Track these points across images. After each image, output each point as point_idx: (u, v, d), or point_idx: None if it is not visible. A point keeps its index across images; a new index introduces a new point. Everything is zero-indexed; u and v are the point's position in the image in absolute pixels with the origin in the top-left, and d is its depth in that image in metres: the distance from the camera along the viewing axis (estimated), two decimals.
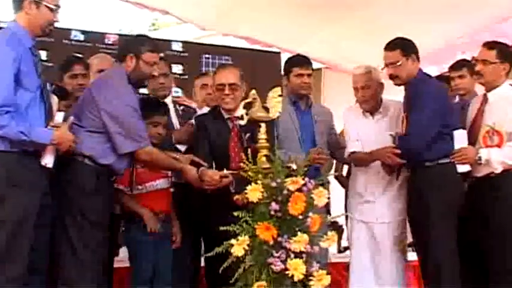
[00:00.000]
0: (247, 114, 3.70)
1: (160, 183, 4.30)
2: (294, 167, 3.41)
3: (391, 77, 4.41)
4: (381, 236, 4.55)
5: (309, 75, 4.78)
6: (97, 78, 4.21)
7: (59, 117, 3.68)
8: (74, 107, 4.10)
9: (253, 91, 3.67)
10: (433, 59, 6.70)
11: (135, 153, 3.89)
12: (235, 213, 3.30)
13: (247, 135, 4.11)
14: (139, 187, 4.26)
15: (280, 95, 3.66)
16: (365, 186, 4.65)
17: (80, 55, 5.48)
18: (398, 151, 4.27)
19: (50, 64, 6.28)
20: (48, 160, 3.59)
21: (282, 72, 5.01)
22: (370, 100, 4.61)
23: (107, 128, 3.81)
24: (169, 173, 4.32)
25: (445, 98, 4.43)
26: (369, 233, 4.60)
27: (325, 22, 6.76)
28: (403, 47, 4.38)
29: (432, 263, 4.18)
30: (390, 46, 4.41)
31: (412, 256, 4.75)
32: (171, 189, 4.41)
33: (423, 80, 4.39)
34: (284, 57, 7.76)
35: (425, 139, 4.23)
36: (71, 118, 3.74)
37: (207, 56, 7.47)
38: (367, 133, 4.61)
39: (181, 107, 4.93)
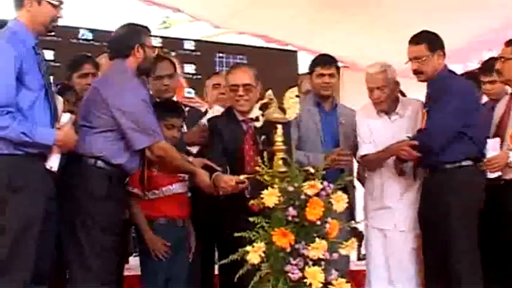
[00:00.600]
0: (263, 115, 3.69)
1: (177, 187, 4.31)
2: (312, 170, 3.40)
3: (415, 72, 4.38)
4: (398, 245, 4.49)
5: (330, 75, 4.78)
6: (101, 76, 4.22)
7: (65, 118, 3.68)
8: (79, 108, 4.12)
9: (269, 91, 3.66)
10: (457, 57, 6.68)
11: (149, 148, 3.91)
12: (251, 219, 3.29)
13: (263, 137, 4.10)
14: (156, 191, 4.27)
15: (297, 96, 3.65)
16: (381, 190, 4.59)
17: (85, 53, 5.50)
18: (416, 143, 4.23)
19: (57, 64, 6.33)
20: (53, 163, 3.59)
21: (306, 72, 5.01)
22: (386, 100, 4.55)
23: (119, 125, 3.83)
24: (186, 176, 4.31)
25: (470, 96, 4.39)
26: (385, 241, 4.54)
27: (342, 19, 6.78)
28: (429, 41, 4.34)
29: (452, 271, 4.14)
30: (415, 40, 4.38)
31: None
32: (188, 194, 4.41)
33: (449, 77, 4.37)
34: (301, 56, 7.80)
35: (446, 136, 4.21)
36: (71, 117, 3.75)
37: (220, 55, 7.49)
38: (383, 134, 4.54)
39: (187, 108, 4.92)
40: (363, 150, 4.63)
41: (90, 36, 6.94)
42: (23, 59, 3.51)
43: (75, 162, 3.80)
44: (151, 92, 4.74)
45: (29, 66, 3.54)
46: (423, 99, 4.49)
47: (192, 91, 7.00)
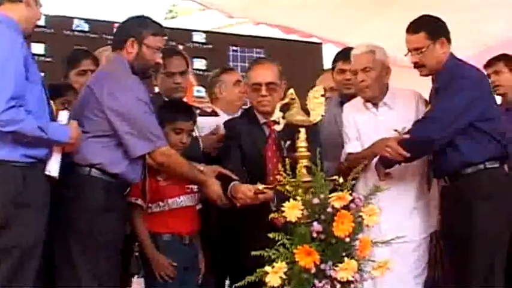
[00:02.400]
0: (283, 117, 3.71)
1: (185, 199, 4.34)
2: (340, 180, 3.41)
3: (416, 65, 4.30)
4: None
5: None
6: (96, 72, 4.23)
7: (63, 116, 3.72)
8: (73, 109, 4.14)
9: (291, 90, 3.68)
10: (508, 47, 6.66)
11: (150, 155, 3.94)
12: (270, 235, 3.29)
13: (288, 142, 4.11)
14: (161, 204, 4.30)
15: (322, 95, 3.66)
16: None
17: (84, 48, 5.53)
18: (406, 137, 4.08)
19: (49, 59, 6.38)
20: (53, 167, 3.62)
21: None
22: (371, 85, 4.39)
23: (114, 129, 3.85)
24: (195, 188, 4.34)
25: (485, 85, 4.32)
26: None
27: (377, 5, 6.76)
28: (428, 28, 4.25)
29: None
30: (412, 28, 4.29)
31: None
32: (198, 207, 4.43)
33: (458, 65, 4.27)
34: (326, 49, 7.80)
35: (453, 126, 4.09)
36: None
37: (235, 48, 7.52)
38: (370, 130, 4.39)
39: (198, 111, 4.91)
40: (348, 148, 4.46)
41: (86, 27, 6.96)
42: (26, 49, 3.55)
43: (68, 171, 3.78)
44: (157, 90, 4.78)
45: (29, 58, 3.57)
46: None
47: (203, 90, 6.97)
